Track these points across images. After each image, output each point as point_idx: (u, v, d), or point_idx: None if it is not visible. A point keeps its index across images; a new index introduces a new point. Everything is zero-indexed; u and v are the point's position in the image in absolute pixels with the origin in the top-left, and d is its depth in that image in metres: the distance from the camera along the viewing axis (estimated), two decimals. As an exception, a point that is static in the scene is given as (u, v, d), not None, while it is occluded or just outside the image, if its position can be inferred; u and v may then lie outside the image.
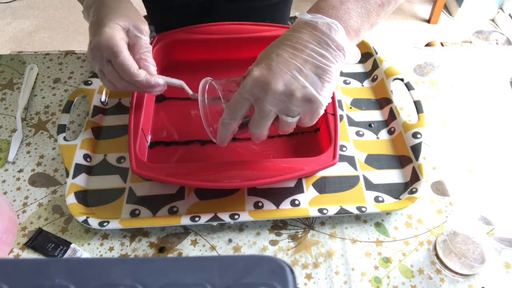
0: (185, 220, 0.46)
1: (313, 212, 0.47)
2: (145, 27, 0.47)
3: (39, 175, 0.52)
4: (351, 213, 0.47)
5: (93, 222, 0.45)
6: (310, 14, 0.39)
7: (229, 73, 0.64)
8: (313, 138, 0.55)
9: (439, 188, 0.52)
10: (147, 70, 0.46)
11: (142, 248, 0.46)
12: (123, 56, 0.43)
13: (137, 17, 0.47)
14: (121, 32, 0.44)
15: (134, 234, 0.47)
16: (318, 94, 0.38)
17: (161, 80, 0.47)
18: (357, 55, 0.42)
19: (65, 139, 0.53)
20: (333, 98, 0.52)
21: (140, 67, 0.45)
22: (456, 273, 0.43)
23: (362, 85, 0.63)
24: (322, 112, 0.40)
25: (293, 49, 0.38)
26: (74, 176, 0.50)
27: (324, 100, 0.39)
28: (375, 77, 0.63)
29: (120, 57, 0.43)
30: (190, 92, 0.50)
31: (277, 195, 0.49)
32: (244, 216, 0.46)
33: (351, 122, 0.58)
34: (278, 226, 0.48)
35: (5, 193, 0.51)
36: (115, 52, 0.43)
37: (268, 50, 0.40)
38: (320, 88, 0.38)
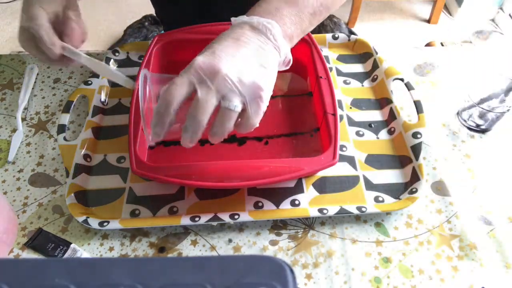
0: (185, 220, 0.46)
1: (313, 212, 0.47)
2: (33, 11, 0.46)
3: (39, 175, 0.52)
4: (351, 213, 0.47)
5: (93, 222, 0.45)
6: (247, 16, 0.41)
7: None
8: (313, 138, 0.55)
9: (439, 188, 0.52)
10: (49, 57, 0.46)
11: (142, 248, 0.46)
12: (39, 59, 0.48)
13: (27, 10, 0.47)
14: (23, 35, 0.47)
15: (134, 234, 0.47)
16: (262, 80, 0.38)
17: (66, 52, 0.47)
18: (289, 60, 0.43)
19: (65, 139, 0.53)
20: (333, 98, 0.53)
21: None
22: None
23: (362, 85, 0.63)
24: (266, 103, 0.39)
25: (235, 40, 0.39)
26: (74, 176, 0.50)
27: (268, 88, 0.39)
28: (375, 77, 0.63)
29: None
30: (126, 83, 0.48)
31: (277, 195, 0.49)
32: (244, 216, 0.46)
33: (351, 122, 0.58)
34: (278, 226, 0.48)
35: (5, 193, 0.51)
36: (32, 54, 0.47)
37: (210, 44, 0.40)
38: (263, 75, 0.38)
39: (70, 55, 0.47)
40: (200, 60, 0.37)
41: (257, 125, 0.40)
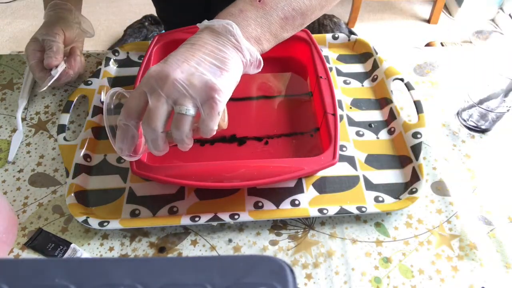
0: (185, 220, 0.46)
1: (313, 212, 0.47)
2: (53, 30, 0.58)
3: (39, 175, 0.52)
4: (351, 213, 0.47)
5: (93, 222, 0.45)
6: (209, 20, 0.41)
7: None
8: (313, 138, 0.55)
9: (439, 188, 0.52)
10: (46, 62, 0.56)
11: (142, 248, 0.46)
12: (30, 64, 0.58)
13: (50, 26, 0.59)
14: (33, 44, 0.58)
15: (134, 234, 0.47)
16: (216, 80, 0.37)
17: (53, 71, 0.57)
18: (259, 61, 0.42)
19: (65, 139, 0.53)
20: (333, 98, 0.53)
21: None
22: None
23: (362, 85, 0.63)
24: (221, 105, 0.38)
25: (192, 45, 0.39)
26: (74, 176, 0.50)
27: (223, 88, 0.38)
28: (375, 77, 0.63)
29: (29, 64, 0.58)
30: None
31: (277, 195, 0.49)
32: (244, 216, 0.46)
33: (351, 122, 0.58)
34: (278, 226, 0.48)
35: (5, 193, 0.51)
36: (27, 60, 0.59)
37: (168, 55, 0.40)
38: (218, 75, 0.38)
39: (53, 73, 0.57)
40: (152, 69, 0.38)
41: (215, 128, 0.39)
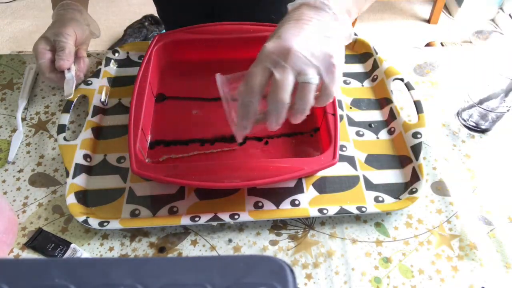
0: (185, 220, 0.46)
1: (313, 212, 0.47)
2: (66, 31, 0.58)
3: (39, 175, 0.52)
4: (351, 213, 0.47)
5: (93, 222, 0.45)
6: None
7: (229, 73, 0.64)
8: (313, 138, 0.55)
9: (439, 188, 0.52)
10: (58, 64, 0.56)
11: (142, 248, 0.46)
12: (39, 63, 0.57)
13: (62, 26, 0.58)
14: (43, 43, 0.58)
15: (134, 234, 0.47)
16: (332, 49, 0.39)
17: (68, 75, 0.57)
18: (350, 35, 0.44)
19: (65, 139, 0.53)
20: (333, 98, 0.53)
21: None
22: None
23: (362, 85, 0.63)
24: (340, 69, 0.40)
25: (297, 21, 0.40)
26: (74, 176, 0.50)
27: (339, 56, 0.40)
28: (375, 77, 0.63)
29: (38, 63, 0.57)
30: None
31: (277, 195, 0.49)
32: (244, 216, 0.46)
33: (351, 122, 0.58)
34: (278, 226, 0.48)
35: (5, 193, 0.51)
36: (36, 59, 0.58)
37: (274, 31, 0.41)
38: (332, 44, 0.39)
39: (67, 76, 0.57)
40: (270, 45, 0.39)
41: (336, 93, 0.41)
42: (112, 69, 0.64)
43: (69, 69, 0.57)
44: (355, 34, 0.73)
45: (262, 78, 0.38)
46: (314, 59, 0.38)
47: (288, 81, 0.38)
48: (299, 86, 0.39)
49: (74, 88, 0.57)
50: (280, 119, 0.40)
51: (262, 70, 0.38)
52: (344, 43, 0.42)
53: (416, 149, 0.52)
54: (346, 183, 0.51)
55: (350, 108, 0.60)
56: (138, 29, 1.75)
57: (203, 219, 0.46)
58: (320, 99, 0.41)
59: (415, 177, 0.50)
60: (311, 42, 0.38)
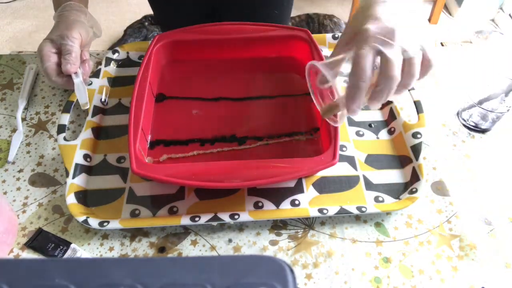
0: (185, 220, 0.46)
1: (313, 212, 0.47)
2: (72, 34, 0.57)
3: (39, 175, 0.52)
4: (351, 213, 0.47)
5: (93, 222, 0.45)
6: None
7: (229, 73, 0.64)
8: (313, 138, 0.55)
9: (439, 188, 0.52)
10: (65, 68, 0.55)
11: (142, 248, 0.46)
12: (45, 66, 0.56)
13: (68, 28, 0.57)
14: (49, 45, 0.56)
15: (134, 234, 0.47)
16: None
17: (77, 80, 0.56)
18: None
19: (65, 139, 0.53)
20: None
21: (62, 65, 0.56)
22: None
23: (362, 85, 0.63)
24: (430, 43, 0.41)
25: (384, 3, 0.42)
26: (74, 176, 0.50)
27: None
28: (375, 77, 0.63)
29: (44, 66, 0.56)
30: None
31: (277, 195, 0.49)
32: (244, 216, 0.46)
33: (351, 122, 0.58)
34: (278, 226, 0.48)
35: (5, 193, 0.51)
36: (42, 62, 0.56)
37: (365, 16, 0.42)
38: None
39: (74, 80, 0.56)
40: (372, 28, 0.40)
41: (436, 64, 0.42)
42: (112, 69, 0.64)
43: (76, 73, 0.56)
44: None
45: (371, 59, 0.39)
46: (417, 36, 0.40)
47: (398, 58, 0.39)
48: (406, 62, 0.40)
49: (87, 94, 0.56)
50: (390, 95, 0.41)
51: (369, 53, 0.39)
52: None
53: (416, 149, 0.52)
54: (346, 183, 0.51)
55: (350, 108, 0.60)
56: (138, 29, 1.75)
57: (203, 219, 0.46)
58: (422, 71, 0.42)
59: (415, 177, 0.50)
60: (403, 22, 0.40)
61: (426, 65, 0.41)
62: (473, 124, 0.58)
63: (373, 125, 0.58)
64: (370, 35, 0.39)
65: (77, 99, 0.56)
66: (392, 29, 0.39)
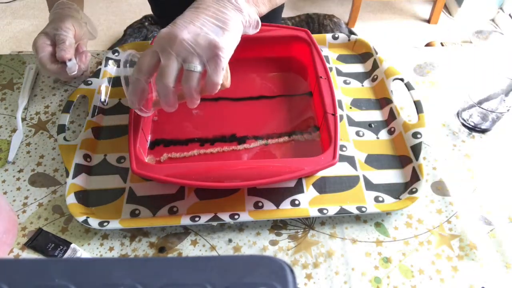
0: (185, 220, 0.46)
1: (313, 212, 0.47)
2: (65, 25, 0.58)
3: (39, 175, 0.52)
4: (351, 213, 0.47)
5: (93, 222, 0.45)
6: None
7: (231, 72, 0.64)
8: (313, 138, 0.55)
9: (439, 188, 0.52)
10: (59, 55, 0.57)
11: (142, 248, 0.46)
12: (40, 57, 0.57)
13: (61, 21, 0.59)
14: (43, 37, 0.58)
15: (134, 234, 0.47)
16: (219, 39, 0.41)
17: (70, 62, 0.58)
18: (257, 22, 0.47)
19: (65, 139, 0.53)
20: (333, 98, 0.53)
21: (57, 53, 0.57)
22: None
23: (362, 85, 0.63)
24: (224, 61, 0.42)
25: (196, 9, 0.43)
26: (74, 176, 0.50)
27: (226, 46, 0.42)
28: (375, 77, 0.63)
29: (39, 56, 0.57)
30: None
31: (277, 195, 0.49)
32: (244, 216, 0.46)
33: (351, 122, 0.58)
34: (278, 226, 0.48)
35: (5, 193, 0.51)
36: (37, 53, 0.57)
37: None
38: (221, 34, 0.42)
39: (69, 64, 0.57)
40: (162, 31, 0.42)
41: (220, 83, 0.42)
42: (112, 69, 0.64)
43: (70, 60, 0.58)
44: (355, 34, 0.73)
45: (151, 60, 0.42)
46: (198, 49, 0.41)
47: (171, 67, 0.41)
48: (184, 73, 0.42)
49: (77, 68, 0.58)
50: (169, 102, 0.43)
51: (151, 53, 0.42)
52: (239, 34, 0.45)
53: (416, 149, 0.52)
54: (346, 183, 0.51)
55: (350, 108, 0.60)
56: (138, 29, 1.75)
57: (203, 219, 0.46)
58: (205, 87, 0.43)
59: (415, 177, 0.50)
60: (201, 32, 0.41)
61: (209, 82, 0.42)
62: (473, 124, 0.58)
63: (373, 125, 0.58)
64: (157, 38, 0.42)
65: (77, 99, 0.56)
66: (175, 36, 0.40)
